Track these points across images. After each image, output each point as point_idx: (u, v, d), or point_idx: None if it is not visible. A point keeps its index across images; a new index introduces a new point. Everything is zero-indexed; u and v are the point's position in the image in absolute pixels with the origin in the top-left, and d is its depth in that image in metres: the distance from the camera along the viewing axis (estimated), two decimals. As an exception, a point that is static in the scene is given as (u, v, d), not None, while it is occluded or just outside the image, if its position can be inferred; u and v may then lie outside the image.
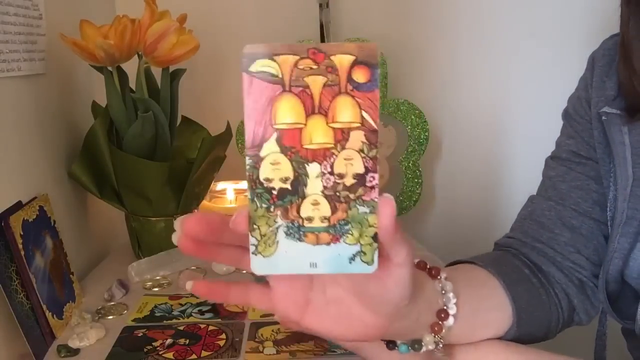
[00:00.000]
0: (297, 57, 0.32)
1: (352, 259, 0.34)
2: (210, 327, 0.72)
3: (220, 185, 1.09)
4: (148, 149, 0.87)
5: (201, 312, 0.76)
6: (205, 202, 1.03)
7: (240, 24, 1.15)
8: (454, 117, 1.19)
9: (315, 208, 0.34)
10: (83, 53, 0.80)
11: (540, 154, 0.69)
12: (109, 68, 0.83)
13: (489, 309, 0.53)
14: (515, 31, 1.14)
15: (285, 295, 0.40)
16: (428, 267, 0.48)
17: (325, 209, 0.34)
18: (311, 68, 0.33)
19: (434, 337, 0.47)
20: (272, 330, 0.70)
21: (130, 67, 0.86)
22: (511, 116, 1.19)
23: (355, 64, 0.33)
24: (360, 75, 0.33)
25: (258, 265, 0.34)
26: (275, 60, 0.32)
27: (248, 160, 0.33)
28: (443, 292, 0.47)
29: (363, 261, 0.34)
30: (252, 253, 0.34)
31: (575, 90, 0.66)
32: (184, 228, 0.35)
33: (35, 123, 0.79)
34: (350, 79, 0.33)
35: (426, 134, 1.10)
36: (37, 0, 0.78)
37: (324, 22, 1.09)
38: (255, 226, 0.34)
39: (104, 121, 0.86)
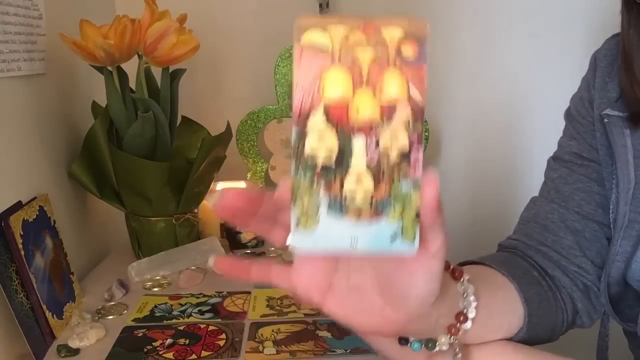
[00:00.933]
0: (348, 30, 0.32)
1: (393, 237, 0.34)
2: (210, 327, 0.71)
3: (220, 185, 1.09)
4: (148, 149, 0.87)
5: (201, 312, 0.76)
6: (205, 203, 1.02)
7: (240, 24, 1.14)
8: (454, 117, 1.19)
9: (358, 183, 0.33)
10: (83, 53, 0.79)
11: (541, 155, 0.69)
12: (109, 68, 0.83)
13: (504, 312, 0.53)
14: (517, 30, 1.14)
15: (308, 277, 0.39)
16: (451, 268, 0.48)
17: (368, 184, 0.33)
18: (361, 41, 0.32)
19: (450, 338, 0.46)
20: (272, 330, 0.70)
21: (130, 67, 0.86)
22: (512, 116, 1.18)
23: (404, 38, 0.32)
24: (409, 50, 0.32)
25: (299, 239, 0.34)
26: (326, 32, 0.32)
27: (294, 133, 0.32)
28: (464, 294, 0.47)
29: (404, 240, 0.34)
30: (294, 227, 0.33)
31: (578, 90, 0.66)
32: (223, 199, 0.35)
33: (35, 123, 0.79)
34: (399, 53, 0.32)
35: (426, 134, 1.10)
36: (37, 0, 0.78)
37: (324, 22, 1.09)
38: (297, 200, 0.33)
39: (104, 121, 0.86)
